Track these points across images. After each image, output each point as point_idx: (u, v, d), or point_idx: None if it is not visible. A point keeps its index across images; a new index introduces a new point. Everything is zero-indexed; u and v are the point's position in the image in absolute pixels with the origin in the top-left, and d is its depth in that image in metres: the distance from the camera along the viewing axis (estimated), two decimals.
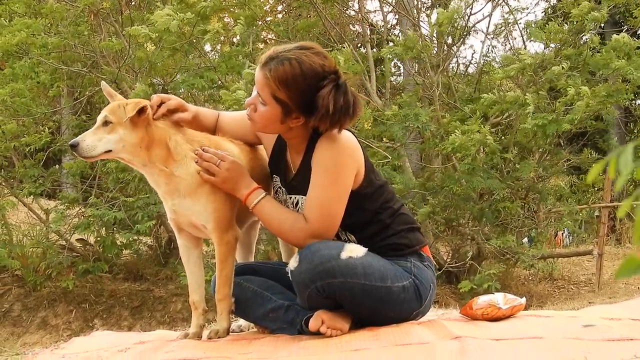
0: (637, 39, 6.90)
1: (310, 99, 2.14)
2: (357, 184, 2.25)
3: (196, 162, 2.27)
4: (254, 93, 2.25)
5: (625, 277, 0.84)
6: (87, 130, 2.25)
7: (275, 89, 2.15)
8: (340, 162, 2.20)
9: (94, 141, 2.18)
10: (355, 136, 2.31)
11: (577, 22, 7.17)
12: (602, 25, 7.35)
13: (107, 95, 2.37)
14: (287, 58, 2.15)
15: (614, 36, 6.80)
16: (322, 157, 2.20)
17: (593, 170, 0.91)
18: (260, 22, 8.24)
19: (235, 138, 2.45)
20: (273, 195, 2.44)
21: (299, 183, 2.30)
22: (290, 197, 2.35)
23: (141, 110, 2.21)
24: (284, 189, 2.39)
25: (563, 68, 6.64)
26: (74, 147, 2.17)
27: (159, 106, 2.31)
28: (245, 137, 2.46)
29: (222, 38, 7.89)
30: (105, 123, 2.21)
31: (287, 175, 2.38)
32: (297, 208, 2.32)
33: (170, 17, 5.88)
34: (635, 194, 0.85)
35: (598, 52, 6.97)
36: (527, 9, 12.62)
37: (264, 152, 2.51)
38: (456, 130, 6.22)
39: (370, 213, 2.30)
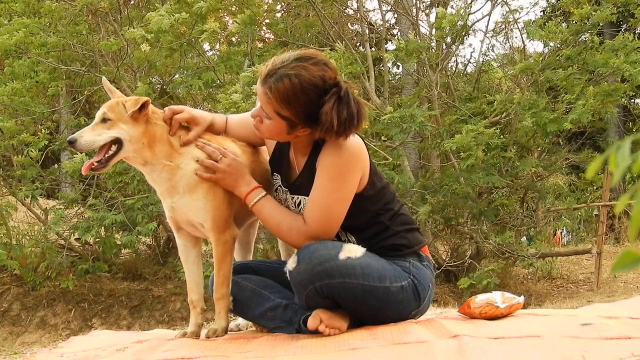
0: (638, 39, 6.88)
1: (314, 112, 2.12)
2: (361, 187, 2.24)
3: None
4: (258, 104, 2.24)
5: (621, 271, 0.84)
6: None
7: (277, 106, 2.14)
8: (345, 168, 2.18)
9: (92, 136, 2.19)
10: (362, 138, 2.30)
11: (578, 22, 7.15)
12: (601, 24, 7.33)
13: (107, 90, 2.38)
14: (286, 74, 2.12)
15: (622, 36, 6.77)
16: (328, 162, 2.18)
17: (592, 165, 0.91)
18: (260, 21, 8.23)
19: (240, 139, 2.45)
20: (273, 193, 2.43)
21: (302, 184, 2.29)
22: (293, 197, 2.34)
23: (142, 107, 2.22)
24: (284, 188, 2.38)
25: (569, 69, 6.63)
26: (72, 143, 2.18)
27: (171, 119, 2.31)
28: (250, 138, 2.46)
29: (220, 39, 7.89)
30: (104, 120, 2.22)
31: (289, 174, 2.37)
32: (300, 208, 2.31)
33: (163, 17, 5.93)
34: (632, 191, 0.85)
35: (597, 50, 6.96)
36: (527, 8, 12.58)
37: (266, 155, 2.50)
38: (462, 130, 6.21)
39: (371, 215, 2.29)
